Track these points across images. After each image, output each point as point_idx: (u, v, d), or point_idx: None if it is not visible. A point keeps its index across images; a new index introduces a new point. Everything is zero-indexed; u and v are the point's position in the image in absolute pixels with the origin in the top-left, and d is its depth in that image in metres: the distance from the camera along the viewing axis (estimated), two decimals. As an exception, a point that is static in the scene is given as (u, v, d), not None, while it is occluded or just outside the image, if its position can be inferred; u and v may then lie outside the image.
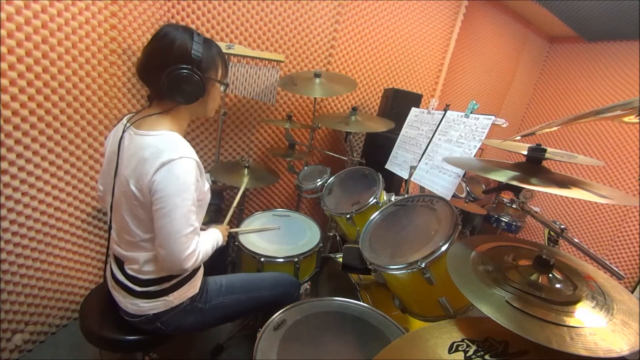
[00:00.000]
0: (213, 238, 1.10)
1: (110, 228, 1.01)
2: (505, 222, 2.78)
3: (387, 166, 1.86)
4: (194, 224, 0.91)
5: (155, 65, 0.90)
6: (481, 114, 1.41)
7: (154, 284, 0.98)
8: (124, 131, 0.95)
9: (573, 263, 0.81)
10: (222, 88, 1.06)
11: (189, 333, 1.10)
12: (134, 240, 0.96)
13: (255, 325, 1.62)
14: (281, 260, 1.43)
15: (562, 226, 0.90)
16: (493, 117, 1.35)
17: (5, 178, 1.24)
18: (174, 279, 1.00)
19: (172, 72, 0.88)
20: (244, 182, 1.69)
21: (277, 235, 1.62)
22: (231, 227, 1.39)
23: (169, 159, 0.85)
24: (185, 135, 0.96)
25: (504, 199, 2.87)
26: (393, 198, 1.45)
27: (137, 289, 0.98)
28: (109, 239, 1.01)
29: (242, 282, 1.21)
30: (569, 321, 0.62)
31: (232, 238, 1.58)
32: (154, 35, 0.92)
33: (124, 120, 0.97)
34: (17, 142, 1.25)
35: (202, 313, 1.08)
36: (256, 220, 1.73)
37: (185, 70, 0.89)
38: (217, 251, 1.12)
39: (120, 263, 1.03)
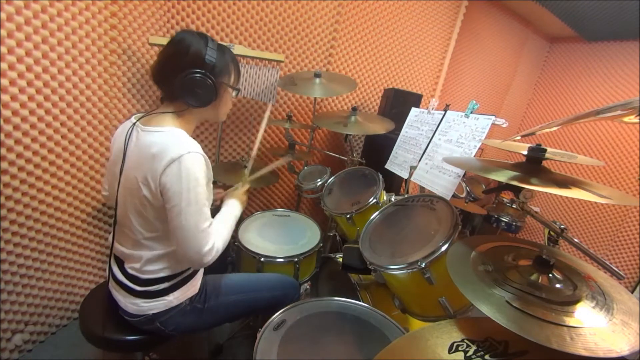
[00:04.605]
0: (229, 217, 1.10)
1: (115, 225, 1.01)
2: (505, 222, 2.78)
3: (387, 166, 1.86)
4: (209, 218, 0.92)
5: (171, 69, 0.93)
6: (481, 114, 1.41)
7: (153, 284, 0.98)
8: (131, 129, 0.94)
9: (573, 263, 0.81)
10: (234, 93, 1.07)
11: (188, 333, 1.10)
12: (137, 238, 0.96)
13: (255, 325, 1.62)
14: (281, 260, 1.44)
15: (562, 226, 0.90)
16: (493, 117, 1.35)
17: (5, 178, 1.24)
18: (174, 279, 1.00)
19: (187, 76, 0.90)
20: (266, 117, 1.43)
21: (277, 235, 1.62)
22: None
23: (178, 154, 0.85)
24: (187, 136, 0.96)
25: (504, 199, 2.87)
26: (393, 198, 1.45)
27: (137, 288, 0.98)
28: (113, 238, 1.01)
29: (241, 283, 1.20)
30: (569, 321, 0.62)
31: (231, 237, 1.58)
32: (170, 40, 0.95)
33: (132, 119, 0.98)
34: (17, 142, 1.25)
35: (201, 313, 1.08)
36: (256, 220, 1.73)
37: (199, 75, 0.91)
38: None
39: (120, 262, 1.03)
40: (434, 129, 1.63)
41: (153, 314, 1.00)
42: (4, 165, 1.23)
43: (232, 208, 1.14)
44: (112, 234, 1.01)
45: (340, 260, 1.29)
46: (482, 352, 0.65)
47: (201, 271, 1.10)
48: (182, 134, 0.93)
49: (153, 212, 0.91)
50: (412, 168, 1.61)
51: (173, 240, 0.92)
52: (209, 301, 1.09)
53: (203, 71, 0.92)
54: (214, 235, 0.94)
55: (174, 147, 0.87)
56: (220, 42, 1.00)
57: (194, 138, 0.94)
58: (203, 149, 0.90)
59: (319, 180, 1.81)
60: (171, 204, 0.87)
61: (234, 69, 1.03)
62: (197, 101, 0.95)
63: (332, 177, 1.78)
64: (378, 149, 2.09)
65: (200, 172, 0.89)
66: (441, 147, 1.53)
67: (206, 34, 0.97)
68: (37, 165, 1.34)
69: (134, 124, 0.95)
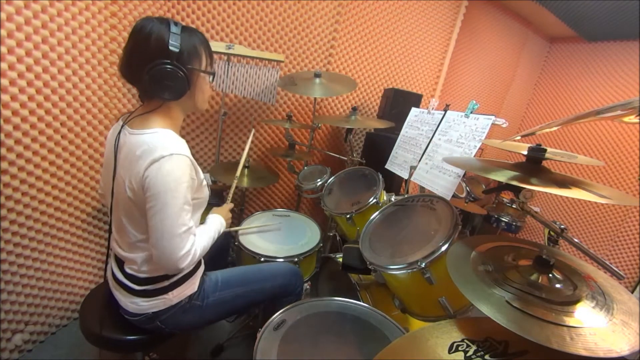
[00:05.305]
0: (212, 229, 1.08)
1: (110, 228, 1.01)
2: (505, 222, 2.78)
3: (387, 166, 1.86)
4: (187, 223, 0.89)
5: (136, 63, 0.87)
6: (481, 114, 1.41)
7: (152, 283, 0.98)
8: (119, 131, 0.94)
9: (573, 263, 0.81)
10: (209, 78, 1.00)
11: (189, 331, 1.10)
12: (131, 240, 0.96)
13: (255, 325, 1.62)
14: (281, 260, 1.44)
15: (562, 226, 0.90)
16: (493, 117, 1.35)
17: (5, 178, 1.24)
18: (173, 278, 1.00)
19: (153, 69, 0.85)
20: (245, 153, 1.56)
21: (277, 235, 1.62)
22: (232, 221, 1.33)
23: (160, 155, 0.83)
24: (185, 135, 0.95)
25: (504, 199, 2.87)
26: (393, 198, 1.45)
27: (137, 287, 0.98)
28: (109, 239, 1.01)
29: (239, 276, 1.19)
30: (569, 321, 0.62)
31: (231, 237, 1.58)
32: (131, 31, 0.88)
33: (120, 121, 0.97)
34: (17, 142, 1.25)
35: (201, 310, 1.08)
36: (256, 220, 1.73)
37: (165, 66, 0.85)
38: (218, 251, 1.11)
39: (120, 263, 1.03)
40: (434, 129, 1.63)
41: (153, 312, 1.00)
42: (4, 165, 1.23)
43: (216, 221, 1.13)
44: (109, 237, 1.00)
45: (340, 260, 1.29)
46: (482, 352, 0.65)
47: (201, 270, 1.10)
48: (168, 134, 0.91)
49: (141, 214, 0.90)
50: (412, 168, 1.61)
51: (150, 242, 0.89)
52: (208, 298, 1.09)
53: (168, 61, 0.85)
54: (192, 241, 0.91)
55: (156, 149, 0.84)
56: (186, 25, 0.91)
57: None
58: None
59: (319, 180, 1.81)
60: (149, 205, 0.85)
61: (204, 51, 0.95)
62: (170, 94, 0.88)
63: (332, 177, 1.78)
64: (378, 149, 2.09)
65: (182, 175, 0.86)
66: (441, 147, 1.53)
67: (168, 18, 0.89)
68: (37, 165, 1.33)
69: (122, 126, 0.94)
